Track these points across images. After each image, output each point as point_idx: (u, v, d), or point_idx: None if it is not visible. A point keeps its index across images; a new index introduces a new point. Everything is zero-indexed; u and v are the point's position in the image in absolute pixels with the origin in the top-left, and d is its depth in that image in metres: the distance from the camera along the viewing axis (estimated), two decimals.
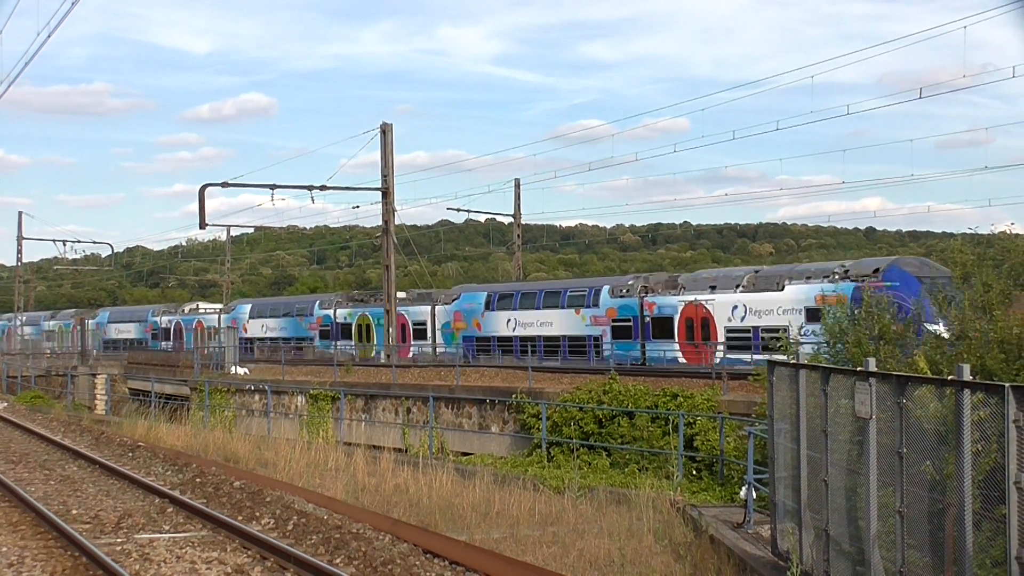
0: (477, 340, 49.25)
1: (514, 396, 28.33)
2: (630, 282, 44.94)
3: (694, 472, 22.18)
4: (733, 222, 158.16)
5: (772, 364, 13.23)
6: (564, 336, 46.00)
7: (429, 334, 52.38)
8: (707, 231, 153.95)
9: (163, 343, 73.62)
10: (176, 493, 18.41)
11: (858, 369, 9.92)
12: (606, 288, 45.32)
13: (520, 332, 48.05)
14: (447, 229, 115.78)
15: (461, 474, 21.99)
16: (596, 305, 45.06)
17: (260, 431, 33.28)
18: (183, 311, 76.73)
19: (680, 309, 40.61)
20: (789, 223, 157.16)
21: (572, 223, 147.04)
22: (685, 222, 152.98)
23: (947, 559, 8.31)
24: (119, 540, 14.50)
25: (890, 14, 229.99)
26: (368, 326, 55.87)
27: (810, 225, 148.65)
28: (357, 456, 23.96)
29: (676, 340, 40.62)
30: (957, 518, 7.86)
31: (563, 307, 46.49)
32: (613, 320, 43.91)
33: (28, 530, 15.35)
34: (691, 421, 22.97)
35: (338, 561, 13.02)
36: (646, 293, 42.79)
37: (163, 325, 75.49)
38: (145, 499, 18.33)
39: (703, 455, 22.27)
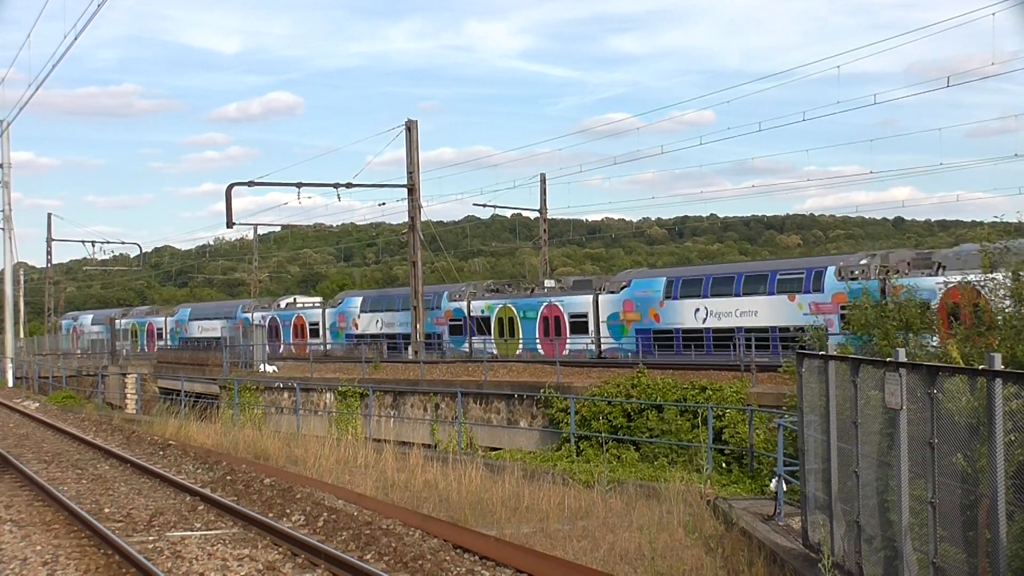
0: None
1: (542, 391, 28.33)
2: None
3: (724, 465, 22.13)
4: (760, 214, 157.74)
5: (801, 356, 13.11)
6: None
7: (591, 327, 46.74)
8: (734, 223, 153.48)
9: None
10: (207, 491, 18.48)
11: (888, 360, 9.84)
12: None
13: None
14: (473, 225, 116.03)
15: (490, 469, 22.00)
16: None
17: (289, 428, 33.39)
18: (279, 305, 70.61)
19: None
20: (817, 214, 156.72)
21: (599, 217, 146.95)
22: (712, 215, 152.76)
23: (980, 550, 8.24)
24: (151, 538, 14.57)
25: (918, 2, 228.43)
26: (512, 319, 50.98)
27: (838, 216, 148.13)
28: (386, 452, 24.00)
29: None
30: (990, 509, 7.78)
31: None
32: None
33: (61, 529, 15.45)
34: (720, 414, 22.91)
35: (368, 557, 13.04)
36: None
37: (257, 321, 66.35)
38: (176, 497, 18.41)
39: (732, 448, 22.21)
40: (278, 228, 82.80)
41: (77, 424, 33.58)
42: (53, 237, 79.53)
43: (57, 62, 50.72)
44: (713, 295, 41.04)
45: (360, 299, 62.51)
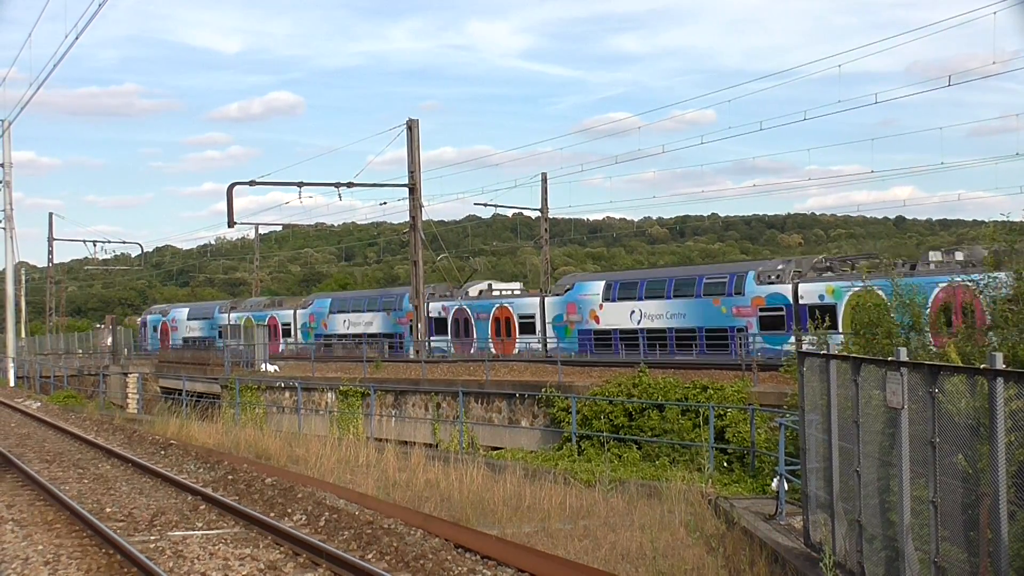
0: None
1: (544, 390, 28.31)
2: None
3: (725, 464, 22.12)
4: (761, 213, 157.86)
5: (803, 355, 13.11)
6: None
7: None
8: (735, 222, 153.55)
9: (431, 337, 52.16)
10: (208, 490, 18.49)
11: (889, 359, 9.84)
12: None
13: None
14: (474, 224, 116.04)
15: (492, 469, 21.99)
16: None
17: (291, 428, 33.37)
18: (466, 294, 52.79)
19: None
20: (818, 213, 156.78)
21: (599, 216, 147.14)
22: (713, 214, 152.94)
23: (982, 550, 8.23)
24: (153, 538, 14.58)
25: (919, 1, 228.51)
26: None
27: (839, 215, 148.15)
28: (388, 452, 23.99)
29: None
30: (991, 509, 7.78)
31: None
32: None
33: (63, 528, 15.46)
34: (721, 413, 22.90)
35: (370, 556, 13.05)
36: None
37: (435, 314, 52.74)
38: (178, 497, 18.42)
39: (734, 447, 22.20)
40: (279, 227, 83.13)
41: (78, 424, 33.59)
42: (54, 237, 79.61)
43: (58, 62, 50.88)
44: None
45: (601, 284, 45.68)
